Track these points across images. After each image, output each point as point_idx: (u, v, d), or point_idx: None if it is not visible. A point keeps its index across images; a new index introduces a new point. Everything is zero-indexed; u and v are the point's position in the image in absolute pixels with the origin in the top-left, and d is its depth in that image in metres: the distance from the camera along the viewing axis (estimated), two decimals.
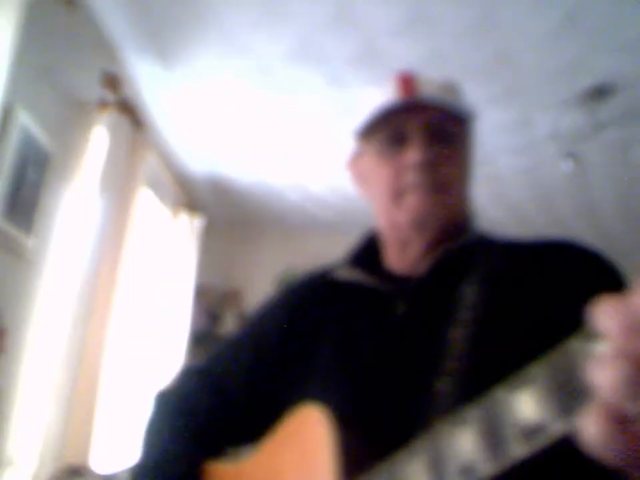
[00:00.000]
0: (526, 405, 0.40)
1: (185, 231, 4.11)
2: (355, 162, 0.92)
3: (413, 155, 0.79)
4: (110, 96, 2.62)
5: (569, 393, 0.38)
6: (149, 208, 3.49)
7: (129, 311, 3.00)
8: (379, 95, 0.83)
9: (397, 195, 0.80)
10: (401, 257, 0.84)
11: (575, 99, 2.86)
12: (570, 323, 0.68)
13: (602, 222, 4.38)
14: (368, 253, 0.89)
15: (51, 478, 2.16)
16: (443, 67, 2.67)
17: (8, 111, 1.95)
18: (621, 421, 0.34)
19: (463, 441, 0.45)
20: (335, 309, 0.85)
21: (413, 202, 0.79)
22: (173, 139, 3.60)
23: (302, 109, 3.14)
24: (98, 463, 2.48)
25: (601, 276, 0.73)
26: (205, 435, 0.86)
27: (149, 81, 2.98)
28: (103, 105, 2.62)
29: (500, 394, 0.43)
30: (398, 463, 0.54)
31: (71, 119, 2.43)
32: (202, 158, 3.85)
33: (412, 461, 0.51)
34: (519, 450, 0.41)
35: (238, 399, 0.86)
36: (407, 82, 0.81)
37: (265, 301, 0.96)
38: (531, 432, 0.40)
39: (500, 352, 0.69)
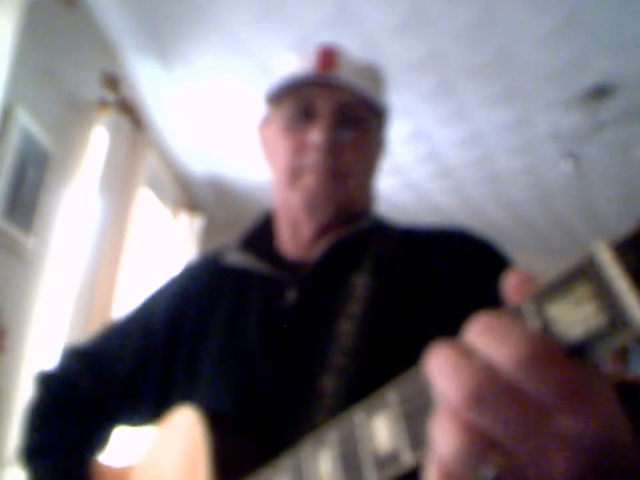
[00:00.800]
0: (381, 430, 0.38)
1: (185, 231, 4.10)
2: (264, 128, 0.87)
3: (317, 134, 0.75)
4: (110, 96, 2.62)
5: (421, 422, 0.35)
6: (149, 208, 3.49)
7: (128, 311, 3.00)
8: (296, 61, 0.80)
9: (294, 174, 0.77)
10: (294, 241, 0.81)
11: (575, 99, 2.86)
12: (459, 313, 0.66)
13: (602, 222, 4.38)
14: (262, 235, 0.85)
15: None
16: (443, 67, 2.67)
17: (8, 111, 1.95)
18: None
19: (322, 464, 0.44)
20: (224, 295, 0.81)
21: (308, 183, 0.76)
22: (173, 139, 3.60)
23: None
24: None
25: (489, 265, 0.71)
26: (89, 419, 0.84)
27: (149, 81, 2.98)
28: (103, 104, 2.61)
29: (359, 416, 0.41)
30: (263, 478, 0.52)
31: (71, 119, 2.43)
32: (202, 158, 3.85)
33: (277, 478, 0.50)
34: (373, 478, 0.39)
35: (122, 384, 0.83)
36: (327, 56, 0.78)
37: (160, 284, 0.92)
38: (384, 460, 0.38)
39: (387, 348, 0.68)
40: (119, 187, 2.67)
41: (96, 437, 0.84)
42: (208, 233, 4.45)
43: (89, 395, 0.84)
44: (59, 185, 2.37)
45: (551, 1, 2.24)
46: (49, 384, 0.87)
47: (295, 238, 0.81)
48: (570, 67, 2.62)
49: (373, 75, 0.82)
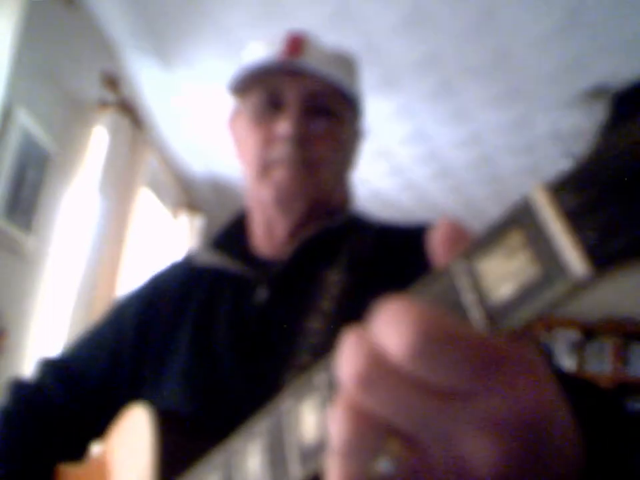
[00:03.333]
0: (308, 418, 0.34)
1: (185, 231, 4.10)
2: (234, 121, 0.83)
3: (285, 126, 0.71)
4: (110, 96, 2.62)
5: None
6: (149, 208, 3.49)
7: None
8: (263, 48, 0.75)
9: (264, 168, 0.73)
10: (268, 239, 0.78)
11: (575, 98, 2.86)
12: None
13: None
14: (235, 234, 0.82)
15: None
16: (443, 67, 2.67)
17: (8, 111, 1.95)
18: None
19: (250, 457, 0.40)
20: (194, 295, 0.78)
21: (278, 177, 0.72)
22: (173, 139, 3.60)
23: None
24: None
25: None
26: (58, 430, 0.81)
27: (149, 81, 2.98)
28: (103, 105, 2.62)
29: (288, 402, 0.36)
30: (196, 474, 0.49)
31: (71, 119, 2.43)
32: (202, 158, 3.85)
33: (209, 475, 0.47)
34: (297, 472, 0.34)
35: (94, 394, 0.81)
36: (295, 43, 0.74)
37: (129, 291, 0.90)
38: (309, 451, 0.33)
39: None
40: (119, 187, 2.67)
41: (65, 446, 0.81)
42: (208, 233, 4.45)
43: (61, 406, 0.82)
44: (59, 185, 2.37)
45: (551, 2, 2.24)
46: (22, 393, 0.84)
47: (269, 236, 0.78)
48: (570, 67, 2.62)
49: (345, 63, 0.78)
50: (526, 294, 0.25)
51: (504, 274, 0.26)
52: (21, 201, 2.06)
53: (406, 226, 0.77)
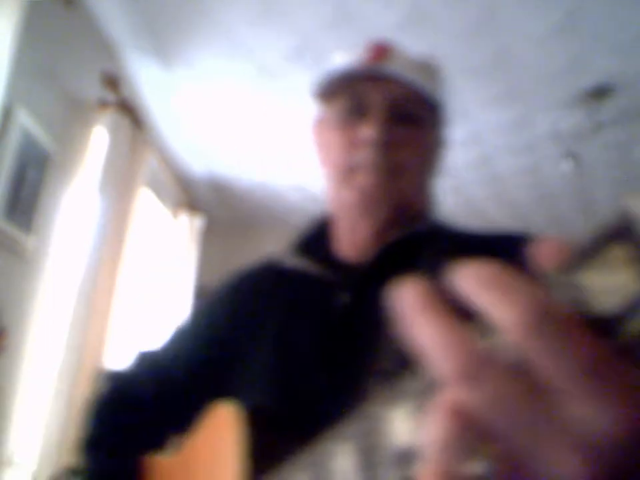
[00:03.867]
0: (401, 423, 0.34)
1: (185, 231, 4.10)
2: (318, 127, 0.84)
3: (369, 130, 0.72)
4: (110, 96, 2.62)
5: None
6: (149, 208, 3.49)
7: (128, 311, 3.00)
8: (348, 55, 0.76)
9: (348, 172, 0.74)
10: (350, 244, 0.78)
11: (574, 98, 2.86)
12: None
13: (602, 222, 4.38)
14: (318, 238, 0.82)
15: (50, 478, 2.16)
16: (443, 67, 2.67)
17: (8, 111, 1.95)
18: None
19: (340, 460, 0.39)
20: (279, 299, 0.80)
21: (362, 182, 0.72)
22: (173, 139, 3.60)
23: (302, 109, 3.14)
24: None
25: None
26: (145, 422, 0.84)
27: (149, 81, 2.98)
28: (103, 104, 2.62)
29: (379, 407, 0.36)
30: (285, 473, 0.50)
31: (71, 119, 2.43)
32: (202, 158, 3.85)
33: (297, 474, 0.46)
34: (388, 477, 0.34)
35: (180, 389, 0.84)
36: (379, 50, 0.75)
37: (216, 288, 0.91)
38: (401, 457, 0.33)
39: None
40: (119, 186, 2.67)
41: (150, 437, 0.85)
42: (208, 233, 4.45)
43: (147, 398, 0.85)
44: (59, 185, 2.37)
45: (551, 1, 2.24)
46: (115, 382, 0.89)
47: (351, 240, 0.78)
48: (570, 67, 2.62)
49: (430, 70, 0.79)
50: (630, 309, 0.24)
51: (607, 288, 0.25)
52: (20, 201, 2.06)
53: (487, 234, 0.76)
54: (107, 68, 2.65)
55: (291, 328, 0.76)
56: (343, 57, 0.77)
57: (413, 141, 0.75)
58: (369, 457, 0.37)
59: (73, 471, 2.21)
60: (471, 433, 0.26)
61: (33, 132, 2.11)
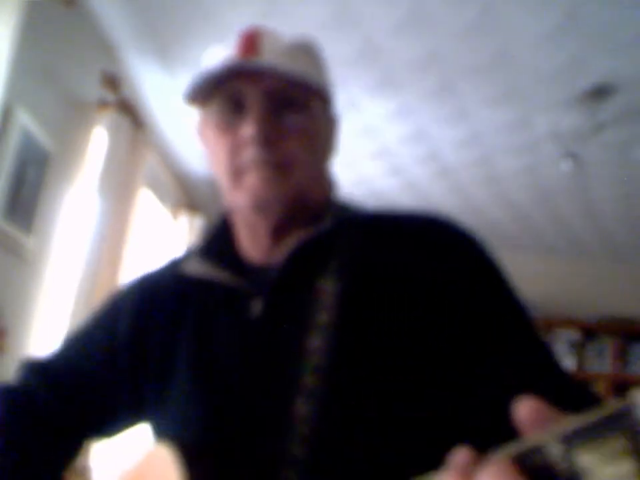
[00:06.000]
0: None
1: (185, 231, 4.10)
2: (203, 130, 0.80)
3: (248, 128, 0.68)
4: (110, 96, 2.62)
5: None
6: (149, 208, 3.49)
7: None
8: (219, 52, 0.72)
9: (236, 175, 0.70)
10: (253, 245, 0.75)
11: (574, 99, 2.86)
12: (445, 319, 0.61)
13: (602, 222, 4.38)
14: (221, 240, 0.78)
15: None
16: (443, 67, 2.67)
17: (8, 111, 1.95)
18: None
19: None
20: (188, 309, 0.75)
21: (250, 182, 0.69)
22: (173, 139, 3.60)
23: None
24: (98, 463, 2.48)
25: (477, 265, 0.66)
26: (49, 433, 0.79)
27: (149, 81, 2.98)
28: (103, 104, 2.61)
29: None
30: None
31: (71, 119, 2.43)
32: (202, 158, 3.84)
33: None
34: None
35: (81, 393, 0.80)
36: (248, 42, 0.70)
37: (120, 292, 0.87)
38: None
39: (362, 364, 0.61)
40: (119, 187, 2.67)
41: (57, 448, 0.80)
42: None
43: (48, 408, 0.79)
44: (59, 185, 2.37)
45: (551, 1, 2.24)
46: (8, 396, 0.82)
47: (253, 241, 0.75)
48: (570, 67, 2.62)
49: (305, 51, 0.74)
50: None
51: (607, 474, 0.26)
52: (20, 201, 2.06)
53: (399, 218, 0.73)
54: (107, 68, 2.65)
55: (206, 343, 0.72)
56: (214, 53, 0.74)
57: (299, 129, 0.71)
58: None
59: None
60: None
61: (33, 132, 2.10)
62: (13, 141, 1.99)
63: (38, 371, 0.84)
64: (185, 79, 2.93)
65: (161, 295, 0.79)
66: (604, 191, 3.91)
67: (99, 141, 2.63)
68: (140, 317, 0.79)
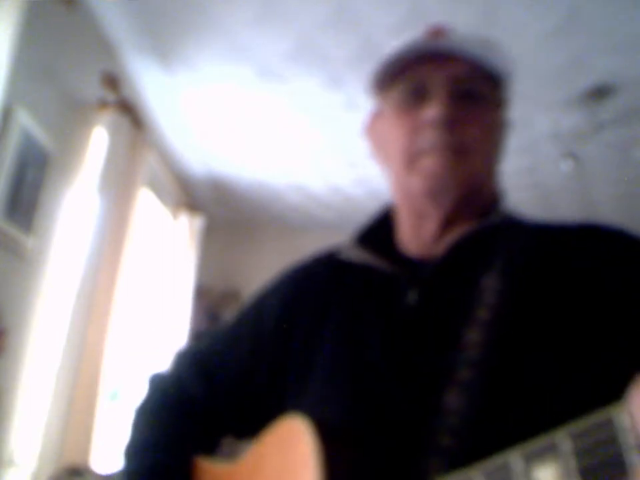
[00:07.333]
0: None
1: (185, 231, 4.10)
2: (374, 124, 0.80)
3: (432, 110, 0.68)
4: (110, 96, 2.62)
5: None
6: (149, 208, 3.49)
7: (128, 311, 3.00)
8: (402, 44, 0.72)
9: (412, 158, 0.70)
10: (417, 236, 0.73)
11: (575, 99, 2.86)
12: (612, 326, 0.57)
13: (602, 222, 4.38)
14: (381, 230, 0.77)
15: (50, 478, 2.16)
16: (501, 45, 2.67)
17: (8, 111, 1.95)
18: None
19: None
20: (339, 295, 0.75)
21: (428, 165, 0.68)
22: (173, 139, 3.60)
23: (301, 109, 3.14)
24: (98, 463, 2.48)
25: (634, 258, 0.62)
26: (197, 423, 0.81)
27: (149, 81, 2.98)
28: (103, 104, 2.61)
29: (517, 462, 0.33)
30: None
31: (71, 119, 2.43)
32: (202, 158, 3.85)
33: None
34: None
35: (231, 391, 0.80)
36: (436, 31, 0.70)
37: (265, 285, 0.86)
38: None
39: (522, 363, 0.59)
40: (119, 187, 2.67)
41: (202, 440, 0.81)
42: (208, 232, 4.45)
43: (198, 399, 0.81)
44: (59, 185, 2.37)
45: (551, 1, 2.24)
46: (160, 385, 0.85)
47: (417, 231, 0.73)
48: (570, 67, 2.62)
49: (488, 44, 0.74)
50: None
51: None
52: (20, 201, 2.06)
53: (564, 226, 0.71)
54: (107, 68, 2.65)
55: (356, 329, 0.71)
56: (397, 45, 0.73)
57: (478, 120, 0.71)
58: None
59: (73, 471, 2.21)
60: None
61: (33, 132, 2.10)
62: (13, 141, 1.99)
63: (189, 360, 0.85)
64: (184, 78, 2.93)
65: (311, 280, 0.79)
66: (604, 190, 3.91)
67: (99, 141, 2.63)
68: (288, 302, 0.79)
